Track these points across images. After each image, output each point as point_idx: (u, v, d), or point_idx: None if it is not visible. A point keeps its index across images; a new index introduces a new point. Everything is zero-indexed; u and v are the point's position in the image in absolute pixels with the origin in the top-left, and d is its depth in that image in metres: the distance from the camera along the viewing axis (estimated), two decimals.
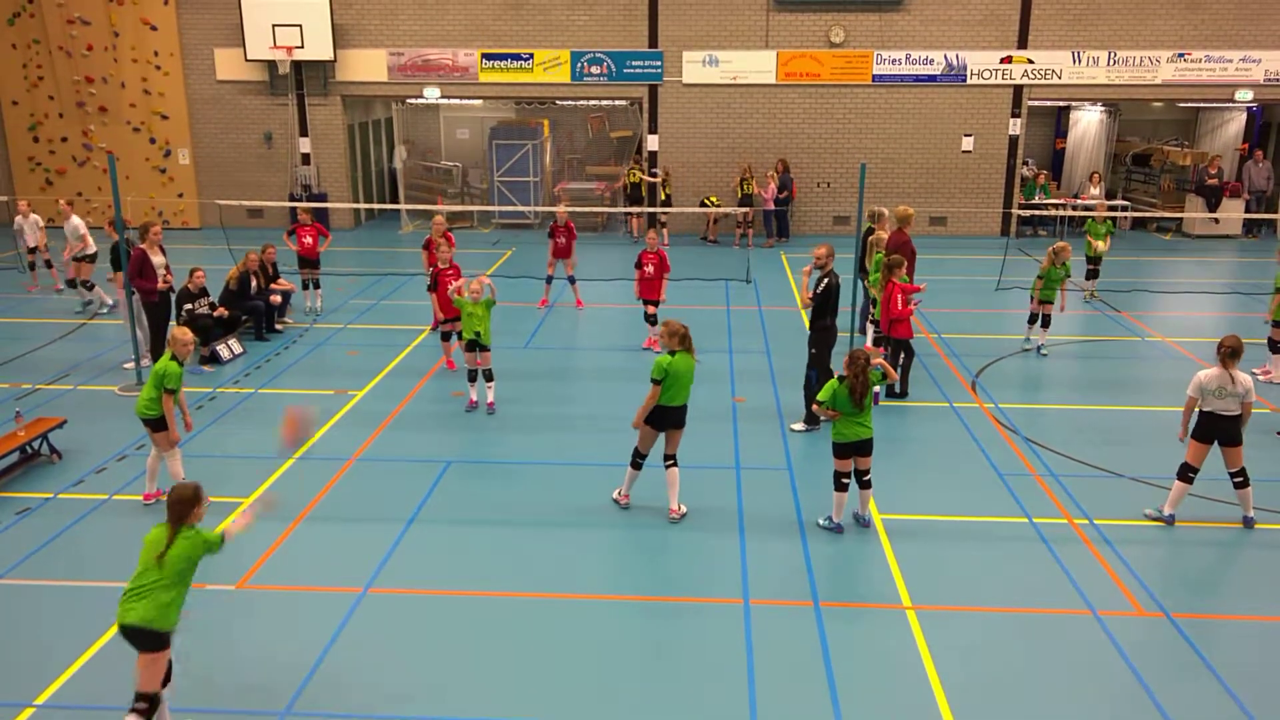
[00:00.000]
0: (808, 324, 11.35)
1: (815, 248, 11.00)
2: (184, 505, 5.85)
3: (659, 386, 8.57)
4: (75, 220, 15.88)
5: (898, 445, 10.69)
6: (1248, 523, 8.94)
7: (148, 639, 5.70)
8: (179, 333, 9.06)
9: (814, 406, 8.90)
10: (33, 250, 17.06)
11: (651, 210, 22.34)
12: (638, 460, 9.06)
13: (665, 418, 8.76)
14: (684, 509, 9.06)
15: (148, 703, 5.77)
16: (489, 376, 11.64)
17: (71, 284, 16.25)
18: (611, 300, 16.67)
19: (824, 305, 10.91)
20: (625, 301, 15.64)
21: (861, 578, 8.17)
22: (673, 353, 8.66)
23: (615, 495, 9.33)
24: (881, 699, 6.58)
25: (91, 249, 15.79)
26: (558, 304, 16.63)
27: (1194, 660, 7.00)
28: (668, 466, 8.97)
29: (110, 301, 15.76)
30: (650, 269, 13.84)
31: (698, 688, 6.66)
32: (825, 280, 10.87)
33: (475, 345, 11.44)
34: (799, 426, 11.14)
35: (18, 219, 16.89)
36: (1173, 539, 8.79)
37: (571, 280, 16.28)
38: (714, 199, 23.09)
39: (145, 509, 9.11)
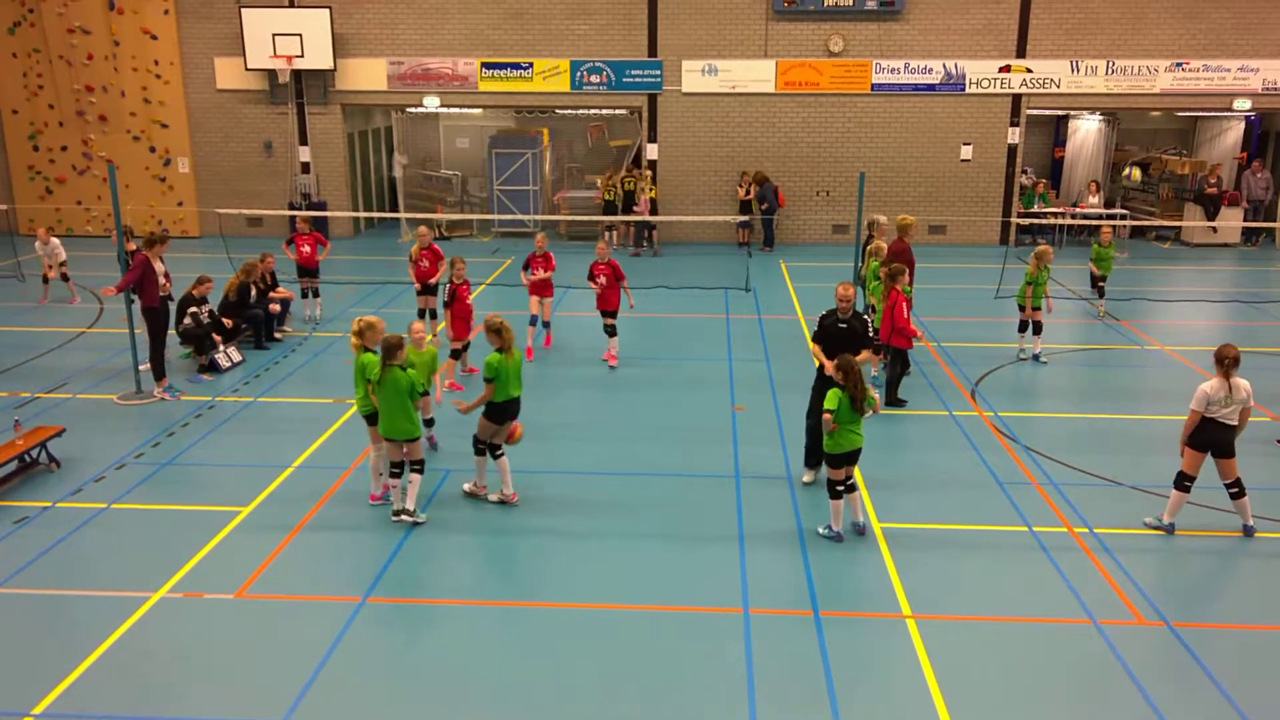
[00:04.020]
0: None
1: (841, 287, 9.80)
2: (393, 348, 8.54)
3: (492, 385, 8.96)
4: (54, 242, 17.26)
5: (897, 453, 10.67)
6: (1248, 531, 8.93)
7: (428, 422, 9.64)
8: (375, 320, 9.07)
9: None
10: (53, 266, 17.38)
11: (634, 220, 22.32)
12: (480, 448, 9.42)
13: (506, 413, 9.19)
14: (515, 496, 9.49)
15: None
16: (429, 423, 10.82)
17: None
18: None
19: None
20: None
21: (861, 586, 8.16)
22: (500, 350, 9.03)
23: (469, 487, 9.60)
24: (881, 707, 6.57)
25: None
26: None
27: (1194, 669, 6.99)
28: (496, 456, 9.42)
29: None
30: (603, 279, 13.69)
31: (698, 697, 6.65)
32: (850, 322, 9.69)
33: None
34: (808, 478, 10.01)
35: (38, 245, 17.36)
36: (1173, 547, 8.78)
37: (546, 325, 14.64)
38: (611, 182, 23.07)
39: (147, 517, 9.12)
